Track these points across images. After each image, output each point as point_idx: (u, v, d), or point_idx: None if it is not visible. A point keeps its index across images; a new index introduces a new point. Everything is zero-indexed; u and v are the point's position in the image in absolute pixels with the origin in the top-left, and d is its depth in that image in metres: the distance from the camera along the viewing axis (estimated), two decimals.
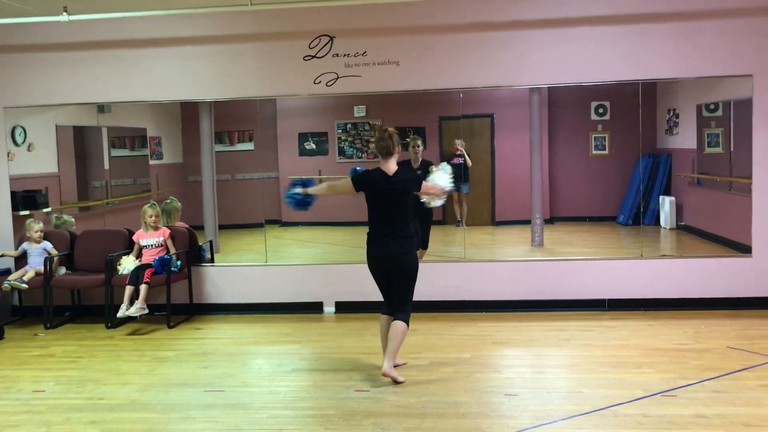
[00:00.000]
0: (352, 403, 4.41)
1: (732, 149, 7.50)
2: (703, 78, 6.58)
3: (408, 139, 7.43)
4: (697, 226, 8.30)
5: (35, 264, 6.81)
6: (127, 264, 6.64)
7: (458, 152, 8.64)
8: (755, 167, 6.45)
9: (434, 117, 9.27)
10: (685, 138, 8.46)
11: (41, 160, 7.73)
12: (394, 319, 4.80)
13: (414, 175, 4.98)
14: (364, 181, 4.81)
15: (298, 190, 5.06)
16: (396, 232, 4.76)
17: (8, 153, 7.27)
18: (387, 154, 4.78)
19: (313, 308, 6.98)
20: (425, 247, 7.38)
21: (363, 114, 9.40)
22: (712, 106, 7.89)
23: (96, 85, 7.07)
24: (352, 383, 4.77)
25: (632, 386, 4.51)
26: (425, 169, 6.05)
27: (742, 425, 3.85)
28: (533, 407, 4.24)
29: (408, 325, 4.79)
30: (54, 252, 6.89)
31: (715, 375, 4.67)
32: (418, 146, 7.33)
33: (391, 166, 4.78)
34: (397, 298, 4.82)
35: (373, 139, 9.25)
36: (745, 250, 6.59)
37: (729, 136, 7.56)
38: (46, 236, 6.99)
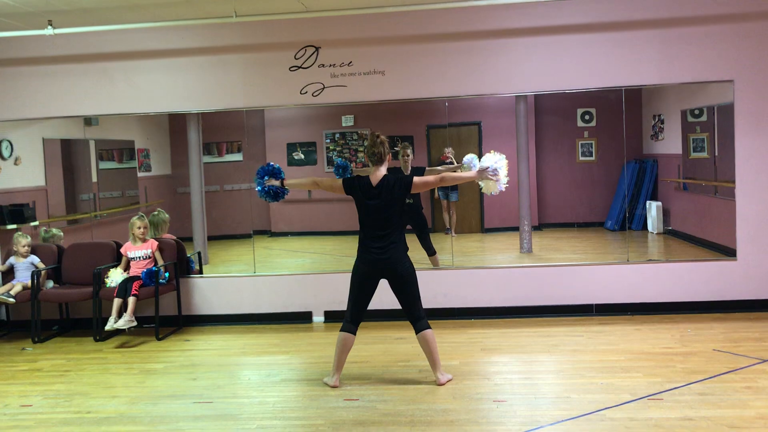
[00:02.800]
0: (341, 412, 4.41)
1: (716, 154, 7.57)
2: (686, 84, 6.65)
3: (397, 148, 7.48)
4: (683, 231, 8.36)
5: (22, 278, 6.78)
6: (115, 276, 6.62)
7: (448, 160, 8.67)
8: (738, 172, 6.51)
9: (422, 125, 9.31)
10: (670, 143, 8.54)
11: (28, 173, 7.71)
12: (418, 331, 4.80)
13: (401, 178, 4.78)
14: (353, 186, 4.79)
15: (275, 182, 5.00)
16: (386, 240, 4.73)
17: None
18: (379, 161, 4.76)
19: (303, 318, 6.98)
20: (432, 253, 7.38)
21: (351, 123, 9.43)
22: (696, 112, 7.97)
23: (82, 98, 7.07)
24: (341, 392, 4.77)
25: (620, 390, 4.54)
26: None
27: (727, 427, 3.88)
28: (522, 413, 4.25)
29: (431, 327, 4.84)
30: (41, 266, 6.87)
31: (701, 378, 4.70)
32: (408, 155, 7.39)
33: (379, 174, 4.75)
34: (410, 307, 4.81)
35: (361, 149, 9.29)
36: (730, 253, 6.64)
37: (713, 141, 7.63)
38: (33, 250, 6.96)
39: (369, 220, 4.77)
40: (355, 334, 4.86)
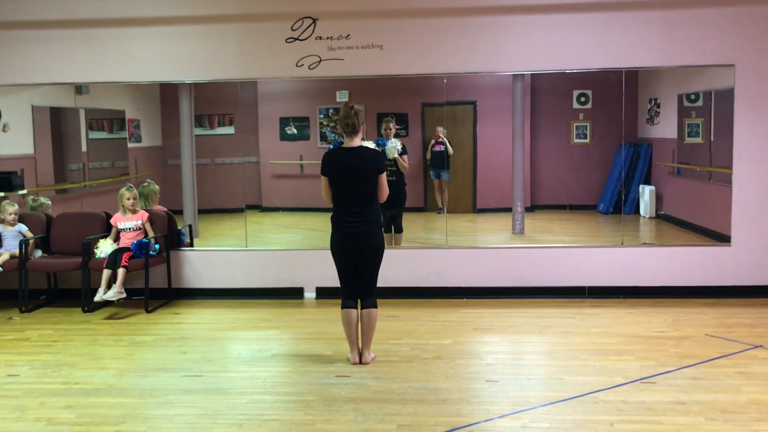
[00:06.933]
0: (333, 388, 4.38)
1: (712, 139, 7.54)
2: (685, 67, 6.59)
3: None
4: (676, 216, 8.36)
5: (10, 247, 6.68)
6: (105, 247, 6.53)
7: (439, 139, 8.60)
8: (736, 157, 6.48)
9: (417, 103, 9.23)
10: (665, 128, 8.49)
11: (17, 140, 7.58)
12: (365, 308, 4.78)
13: (376, 153, 4.77)
14: (329, 163, 4.70)
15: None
16: (365, 211, 4.68)
17: None
18: (352, 131, 4.68)
19: (294, 294, 6.93)
20: (399, 230, 7.40)
21: (345, 99, 9.32)
22: (693, 96, 7.93)
23: (72, 65, 6.91)
24: (333, 368, 4.74)
25: (612, 373, 4.53)
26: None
27: (719, 411, 3.88)
28: (513, 393, 4.24)
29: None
30: (29, 235, 6.76)
31: (693, 362, 4.70)
32: (390, 128, 7.41)
33: (354, 144, 4.71)
34: (366, 283, 4.78)
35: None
36: (724, 239, 6.64)
37: (709, 127, 7.60)
38: (21, 218, 6.85)
39: (348, 189, 4.67)
40: (355, 307, 4.81)
